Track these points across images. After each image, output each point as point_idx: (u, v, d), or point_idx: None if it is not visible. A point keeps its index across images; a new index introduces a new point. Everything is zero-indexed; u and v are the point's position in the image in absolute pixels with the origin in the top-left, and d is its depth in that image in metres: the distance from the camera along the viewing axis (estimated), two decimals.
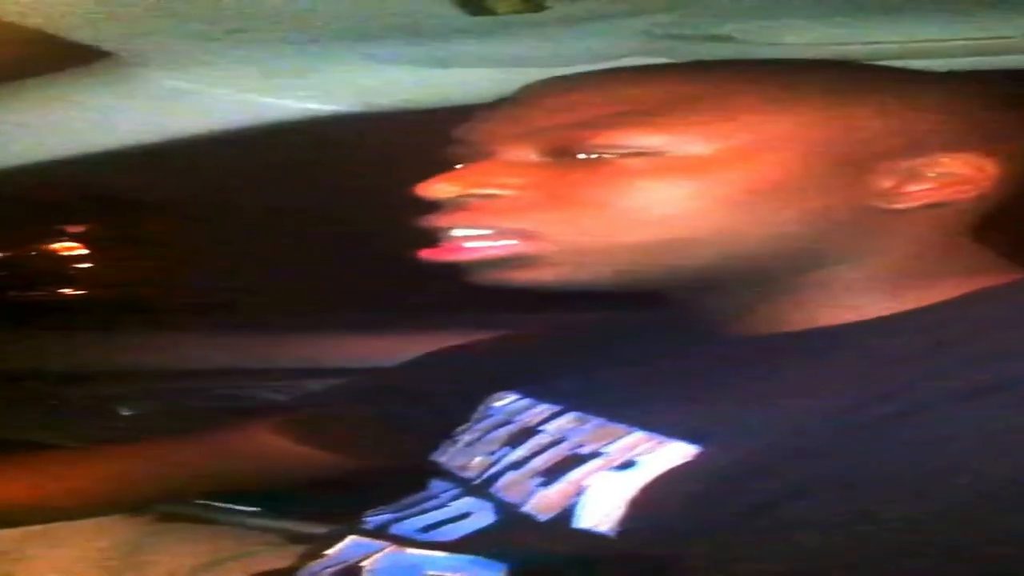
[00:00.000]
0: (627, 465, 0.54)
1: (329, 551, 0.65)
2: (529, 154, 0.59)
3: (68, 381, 1.32)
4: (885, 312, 0.57)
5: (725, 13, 0.56)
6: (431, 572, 0.57)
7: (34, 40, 0.61)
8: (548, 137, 0.58)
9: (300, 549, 0.86)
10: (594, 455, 0.57)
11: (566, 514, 0.54)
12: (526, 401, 0.68)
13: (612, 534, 0.52)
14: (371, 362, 1.15)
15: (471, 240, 0.58)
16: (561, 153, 0.57)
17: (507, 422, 0.67)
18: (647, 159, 0.55)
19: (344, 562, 0.63)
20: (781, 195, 0.55)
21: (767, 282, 0.59)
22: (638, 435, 0.56)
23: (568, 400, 0.64)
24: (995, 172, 0.56)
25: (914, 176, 0.56)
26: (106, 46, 0.65)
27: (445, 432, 0.73)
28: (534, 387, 0.69)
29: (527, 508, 0.57)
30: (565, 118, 0.57)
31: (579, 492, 0.55)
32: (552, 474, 0.58)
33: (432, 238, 0.60)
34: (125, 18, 0.58)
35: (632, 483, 0.53)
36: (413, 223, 0.60)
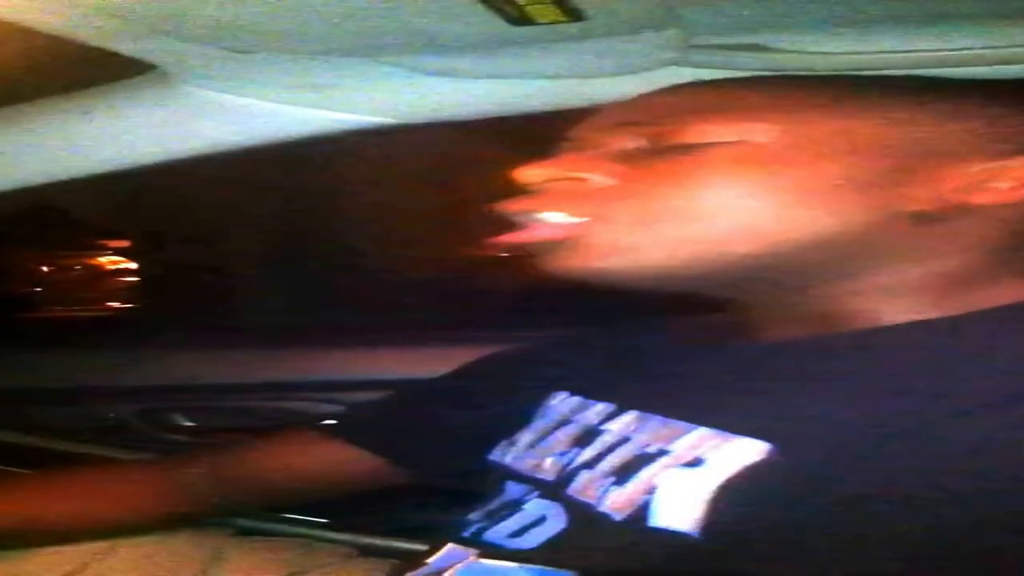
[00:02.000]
0: (694, 463, 0.55)
1: (429, 559, 0.65)
2: (623, 144, 0.61)
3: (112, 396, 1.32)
4: (928, 316, 0.57)
5: (759, 24, 0.57)
6: None
7: (76, 53, 0.62)
8: (644, 129, 0.60)
9: (371, 563, 0.89)
10: (661, 453, 0.57)
11: (640, 513, 0.54)
12: (580, 400, 0.68)
13: (694, 533, 0.52)
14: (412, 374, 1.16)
15: (556, 224, 0.59)
16: (656, 142, 0.59)
17: (567, 422, 0.67)
18: (732, 148, 0.56)
19: (435, 571, 0.63)
20: (839, 192, 0.56)
21: (819, 282, 0.59)
22: (700, 432, 0.56)
23: (622, 398, 0.64)
24: None
25: (984, 179, 0.56)
26: (148, 59, 0.66)
27: (496, 434, 0.73)
28: (587, 386, 0.69)
29: (601, 508, 0.57)
30: (661, 113, 0.60)
31: (650, 490, 0.55)
32: (623, 473, 0.58)
33: (516, 223, 0.61)
34: (165, 31, 0.59)
35: (703, 480, 0.53)
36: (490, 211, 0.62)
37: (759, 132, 0.56)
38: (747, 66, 0.60)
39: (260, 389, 1.28)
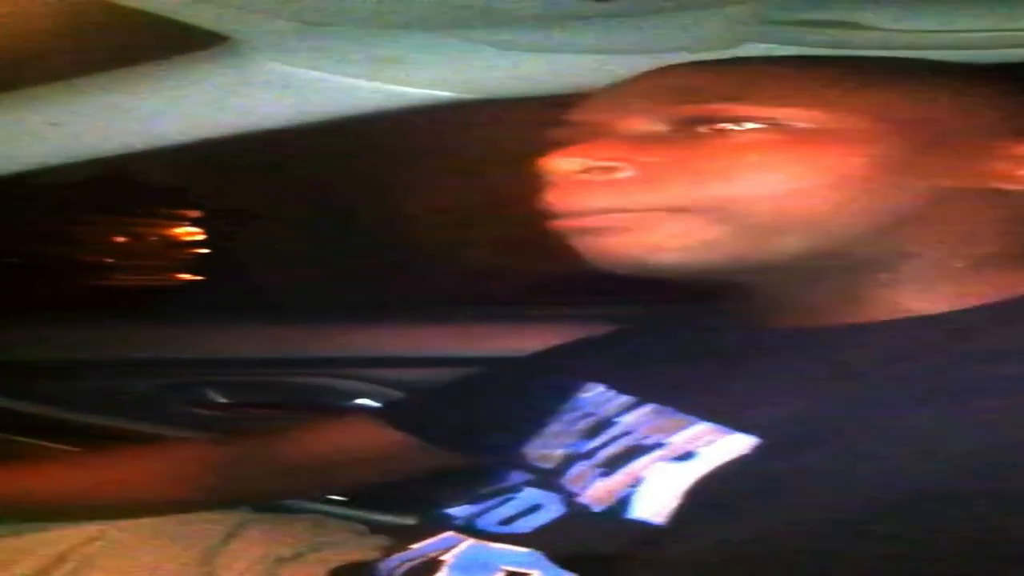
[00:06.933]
0: (686, 456, 0.54)
1: (415, 544, 0.65)
2: (650, 127, 0.58)
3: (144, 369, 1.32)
4: (967, 304, 0.55)
5: (837, 1, 0.55)
6: (507, 567, 0.57)
7: (147, 24, 0.62)
8: (673, 110, 0.58)
9: (381, 539, 0.88)
10: (656, 446, 0.56)
11: (621, 505, 0.54)
12: (610, 393, 0.68)
13: (664, 525, 0.51)
14: (441, 352, 1.18)
15: (593, 215, 0.58)
16: (686, 125, 0.57)
17: (591, 414, 0.67)
18: (767, 133, 0.55)
19: (426, 555, 0.63)
20: (887, 175, 0.54)
21: (860, 269, 0.57)
22: (701, 426, 0.55)
23: (647, 392, 0.63)
24: None
25: (1015, 163, 0.55)
26: (219, 30, 0.65)
27: (536, 426, 0.72)
28: (619, 379, 0.68)
29: (583, 498, 0.57)
30: (688, 94, 0.57)
31: (635, 483, 0.54)
32: (612, 464, 0.57)
33: (555, 213, 0.59)
34: (236, 3, 0.59)
35: (689, 474, 0.52)
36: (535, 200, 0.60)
37: (789, 116, 0.55)
38: (823, 42, 0.58)
39: (299, 364, 1.27)
